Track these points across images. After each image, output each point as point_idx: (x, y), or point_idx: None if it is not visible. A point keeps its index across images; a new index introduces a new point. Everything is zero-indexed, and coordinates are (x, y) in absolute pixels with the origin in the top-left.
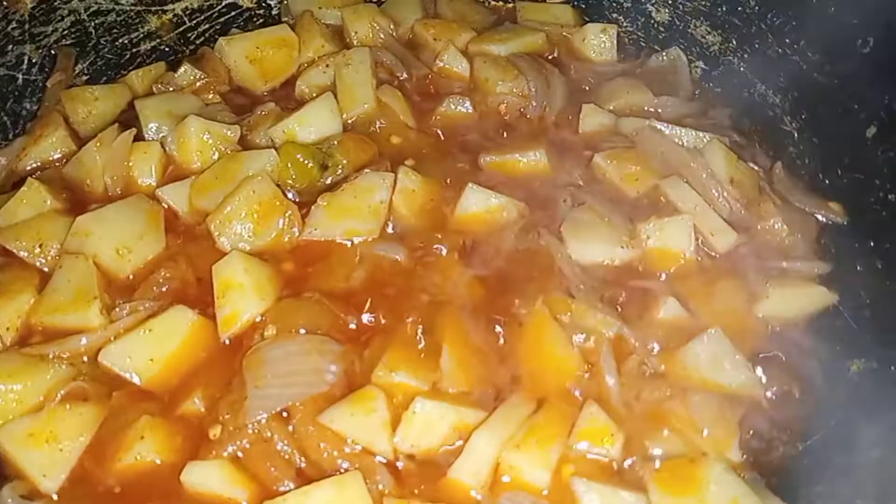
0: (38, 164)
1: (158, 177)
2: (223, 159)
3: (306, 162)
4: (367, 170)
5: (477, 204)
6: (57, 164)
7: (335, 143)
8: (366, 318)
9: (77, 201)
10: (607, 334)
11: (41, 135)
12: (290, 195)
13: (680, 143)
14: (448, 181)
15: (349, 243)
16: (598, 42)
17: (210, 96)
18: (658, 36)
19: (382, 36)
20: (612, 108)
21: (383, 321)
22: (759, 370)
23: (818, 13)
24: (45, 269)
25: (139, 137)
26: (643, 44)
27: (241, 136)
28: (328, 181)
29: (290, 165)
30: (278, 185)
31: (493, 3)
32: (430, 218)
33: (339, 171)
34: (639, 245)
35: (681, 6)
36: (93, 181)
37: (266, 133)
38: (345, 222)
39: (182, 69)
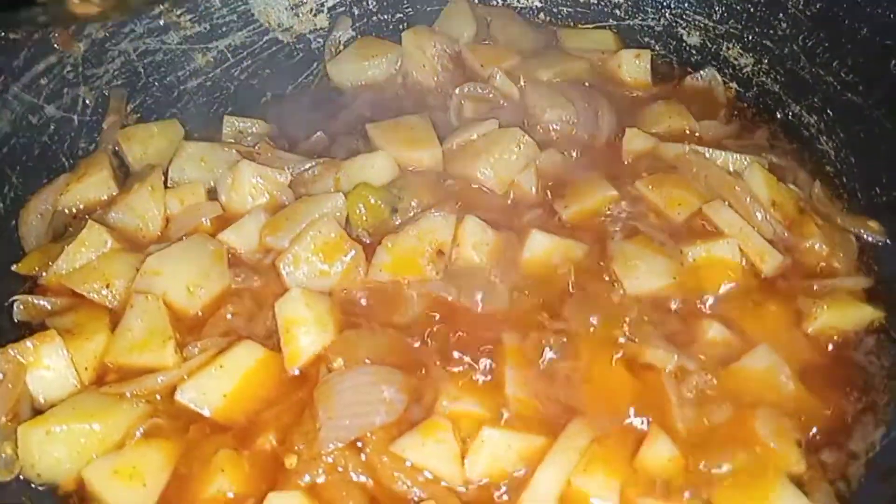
0: (82, 206)
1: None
2: (295, 202)
3: (378, 203)
4: (432, 210)
5: (541, 249)
6: (99, 206)
7: (404, 186)
8: (426, 348)
9: (129, 240)
10: (668, 368)
11: (85, 173)
12: (361, 237)
13: (721, 166)
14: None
15: (408, 282)
16: (632, 67)
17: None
18: (690, 59)
19: (444, 50)
20: (654, 132)
21: (443, 352)
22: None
23: (850, 36)
24: (114, 308)
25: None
26: (675, 66)
27: (305, 184)
28: (398, 222)
29: (361, 207)
30: (346, 227)
31: (541, 20)
32: (493, 261)
33: (411, 213)
34: (687, 271)
35: (712, 29)
36: (146, 225)
37: (333, 179)
38: (409, 264)
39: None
